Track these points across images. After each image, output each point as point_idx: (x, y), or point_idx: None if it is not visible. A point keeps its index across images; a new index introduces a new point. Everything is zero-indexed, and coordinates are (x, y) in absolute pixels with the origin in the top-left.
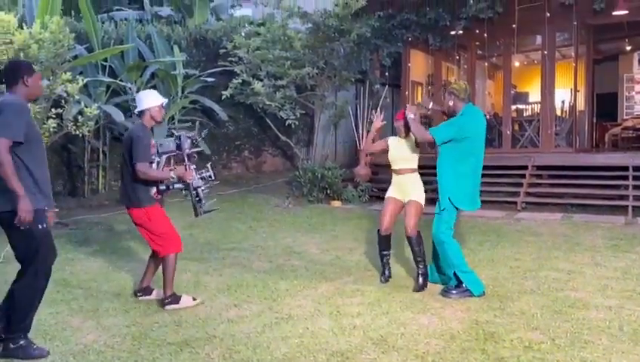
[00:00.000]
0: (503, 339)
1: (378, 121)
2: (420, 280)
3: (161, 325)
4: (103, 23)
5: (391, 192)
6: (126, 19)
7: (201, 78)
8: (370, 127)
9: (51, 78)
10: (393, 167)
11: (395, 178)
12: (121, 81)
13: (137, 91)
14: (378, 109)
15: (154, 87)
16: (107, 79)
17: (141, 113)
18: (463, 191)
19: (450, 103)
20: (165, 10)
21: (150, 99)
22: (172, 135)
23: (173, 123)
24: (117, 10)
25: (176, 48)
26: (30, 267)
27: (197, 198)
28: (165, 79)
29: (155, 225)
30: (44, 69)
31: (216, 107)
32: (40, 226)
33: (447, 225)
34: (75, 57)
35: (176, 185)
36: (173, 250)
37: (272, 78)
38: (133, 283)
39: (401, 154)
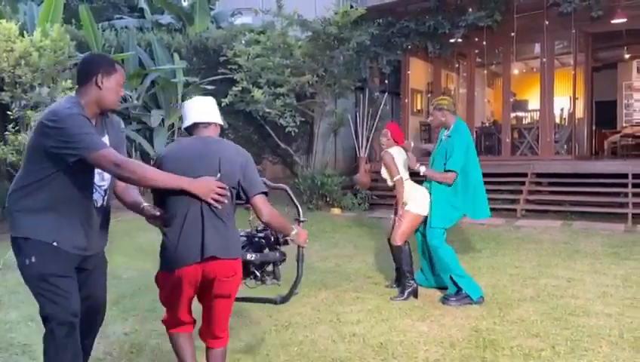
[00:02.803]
0: (502, 347)
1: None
2: (405, 294)
3: (159, 333)
4: (103, 30)
5: None
6: (126, 27)
7: (201, 86)
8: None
9: (52, 85)
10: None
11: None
12: None
13: (138, 98)
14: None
15: (154, 95)
16: None
17: (197, 126)
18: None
19: (443, 119)
20: (166, 18)
21: (217, 113)
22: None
23: (173, 131)
24: (117, 18)
25: (176, 56)
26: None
27: (271, 272)
28: (165, 87)
29: (239, 283)
30: (44, 77)
31: None
32: (27, 261)
33: (441, 231)
34: (76, 65)
35: (259, 257)
36: None
37: (271, 85)
38: (132, 291)
39: (382, 171)
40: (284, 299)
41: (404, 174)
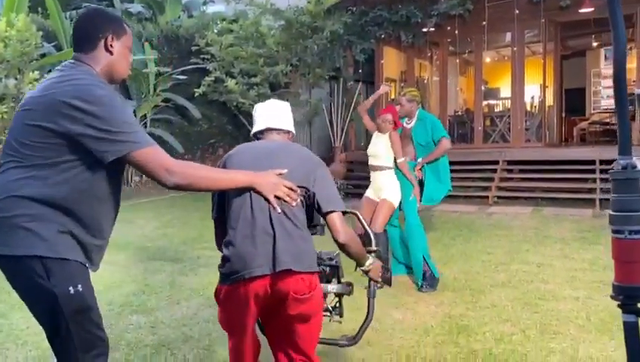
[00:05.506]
0: (475, 332)
1: (384, 87)
2: (380, 283)
3: (136, 327)
4: (71, 20)
5: (367, 192)
6: None
7: (174, 76)
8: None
9: (18, 77)
10: (369, 162)
11: (370, 174)
12: None
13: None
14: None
15: (125, 86)
16: None
17: (270, 132)
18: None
19: (413, 109)
20: (136, 7)
21: (292, 120)
22: None
23: (145, 122)
24: (85, 6)
25: (147, 46)
26: (64, 359)
27: (336, 307)
28: (137, 77)
29: (320, 301)
30: (10, 68)
31: (189, 105)
32: (70, 289)
33: (416, 212)
34: (43, 56)
35: (328, 287)
36: None
37: (245, 75)
38: (106, 285)
39: (374, 149)
40: (351, 341)
41: (386, 161)
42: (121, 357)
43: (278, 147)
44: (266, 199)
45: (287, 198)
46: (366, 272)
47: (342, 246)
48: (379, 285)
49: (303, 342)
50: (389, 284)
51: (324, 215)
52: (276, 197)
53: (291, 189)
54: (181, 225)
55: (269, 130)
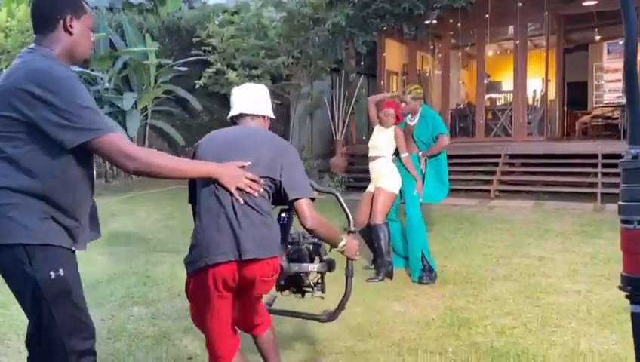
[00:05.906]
0: (476, 325)
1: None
2: (381, 276)
3: (137, 318)
4: None
5: (369, 186)
6: (96, 7)
7: (175, 68)
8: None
9: None
10: (369, 153)
11: (369, 166)
12: (92, 71)
13: (109, 81)
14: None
15: (126, 78)
16: (77, 69)
17: (244, 117)
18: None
19: (417, 106)
20: None
21: (268, 104)
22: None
23: (146, 113)
24: None
25: (148, 37)
26: (50, 346)
27: (318, 284)
28: (138, 69)
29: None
30: (10, 59)
31: (190, 97)
32: (51, 274)
33: (418, 207)
34: None
35: (309, 267)
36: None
37: (246, 67)
38: (107, 277)
39: (374, 142)
40: (331, 317)
41: (384, 152)
42: (122, 348)
43: (246, 134)
44: (229, 191)
45: (248, 190)
46: (341, 252)
47: (310, 232)
48: (377, 273)
49: (255, 308)
50: (390, 277)
51: (291, 202)
52: (238, 188)
53: (254, 181)
54: (182, 217)
55: (243, 115)
